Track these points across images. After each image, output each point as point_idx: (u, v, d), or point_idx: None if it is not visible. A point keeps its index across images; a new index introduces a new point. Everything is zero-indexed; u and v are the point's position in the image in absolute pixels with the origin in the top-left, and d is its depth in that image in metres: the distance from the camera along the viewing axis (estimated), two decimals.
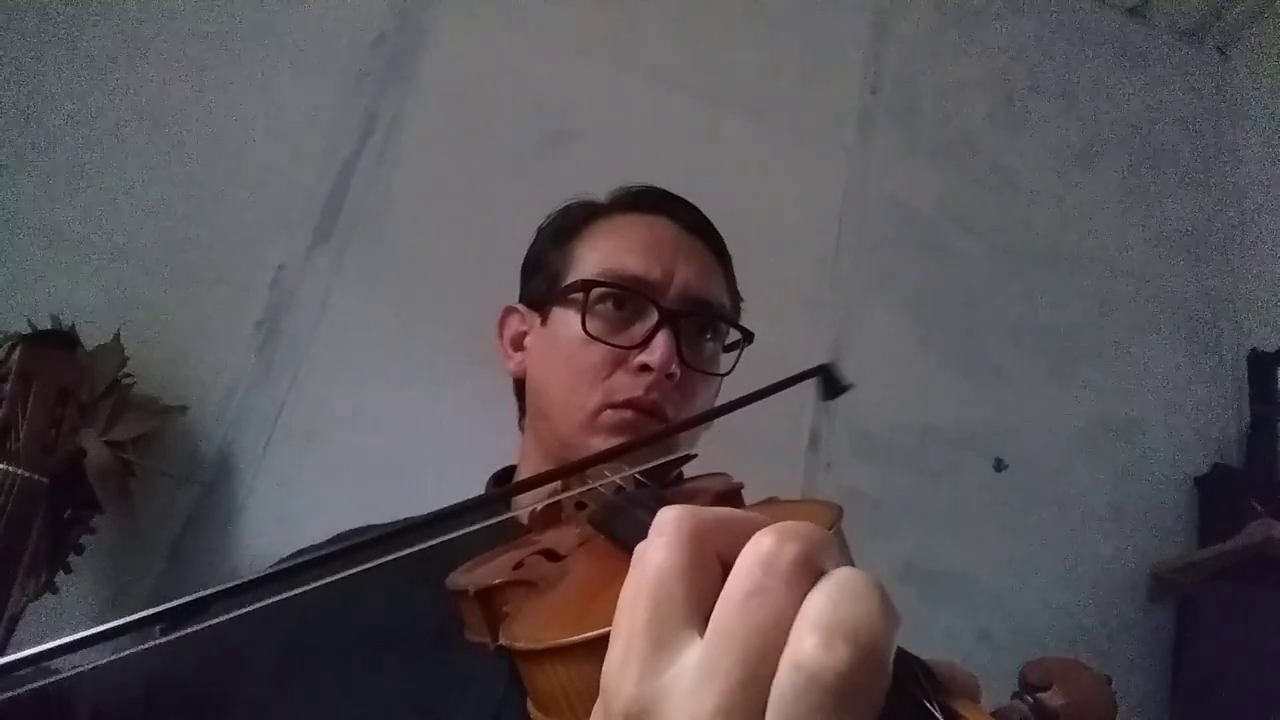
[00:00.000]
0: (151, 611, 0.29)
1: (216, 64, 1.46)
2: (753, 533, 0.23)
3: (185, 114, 1.42)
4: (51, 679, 0.27)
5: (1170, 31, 2.05)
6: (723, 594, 0.23)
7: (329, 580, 0.32)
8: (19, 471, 0.86)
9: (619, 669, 0.23)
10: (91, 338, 1.13)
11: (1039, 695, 0.35)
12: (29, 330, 1.03)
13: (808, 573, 0.22)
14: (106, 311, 1.23)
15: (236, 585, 0.30)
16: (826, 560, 0.23)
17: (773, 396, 0.48)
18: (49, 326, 1.07)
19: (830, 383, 0.46)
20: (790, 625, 0.21)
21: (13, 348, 0.95)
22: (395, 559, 0.33)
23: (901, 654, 0.22)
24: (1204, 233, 1.88)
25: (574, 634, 0.28)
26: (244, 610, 0.30)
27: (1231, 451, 1.67)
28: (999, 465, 1.58)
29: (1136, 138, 1.92)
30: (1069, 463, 1.61)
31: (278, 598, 0.31)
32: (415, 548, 0.33)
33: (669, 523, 0.24)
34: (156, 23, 1.45)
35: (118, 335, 1.18)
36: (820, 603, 0.21)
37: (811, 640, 0.20)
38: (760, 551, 0.23)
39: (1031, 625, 1.48)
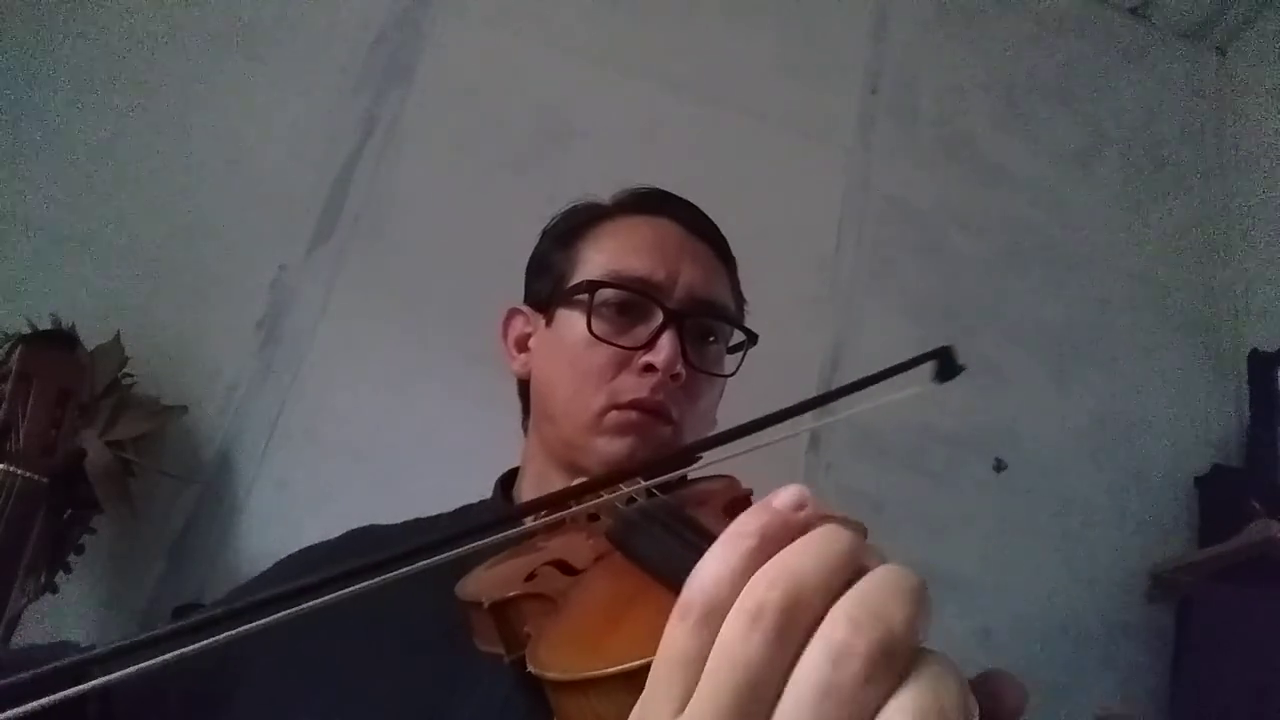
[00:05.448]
0: (184, 624, 0.29)
1: (217, 64, 1.46)
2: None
3: (185, 114, 1.42)
4: (85, 686, 0.27)
5: (1170, 31, 2.05)
6: (792, 685, 0.22)
7: (343, 594, 0.32)
8: (19, 471, 0.86)
9: None
10: (91, 338, 1.13)
11: None
12: (29, 330, 1.03)
13: (888, 669, 0.21)
14: (106, 311, 1.23)
15: (259, 601, 0.30)
16: (909, 645, 0.22)
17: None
18: (49, 326, 1.08)
19: (947, 365, 0.46)
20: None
21: (13, 348, 0.94)
22: (405, 573, 0.33)
23: None
24: (1204, 233, 1.88)
25: (608, 665, 0.28)
26: (262, 623, 0.30)
27: (1231, 451, 1.67)
28: (999, 465, 1.58)
29: (1136, 138, 1.92)
30: (1069, 463, 1.61)
31: (295, 610, 0.31)
32: (427, 562, 0.33)
33: (767, 609, 0.23)
34: (157, 24, 1.45)
35: (118, 335, 1.18)
36: (908, 707, 0.21)
37: None
38: (833, 645, 0.21)
39: (1031, 625, 1.48)
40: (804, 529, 0.25)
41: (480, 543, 0.36)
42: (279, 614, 0.30)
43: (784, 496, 0.26)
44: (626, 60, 1.67)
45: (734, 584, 0.24)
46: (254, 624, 0.30)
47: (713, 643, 0.23)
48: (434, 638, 0.52)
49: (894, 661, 0.21)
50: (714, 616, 0.24)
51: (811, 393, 1.66)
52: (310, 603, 0.31)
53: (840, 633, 0.21)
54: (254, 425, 1.30)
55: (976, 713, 0.21)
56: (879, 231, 1.69)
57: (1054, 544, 1.55)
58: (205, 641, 0.29)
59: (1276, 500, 1.46)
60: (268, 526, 1.25)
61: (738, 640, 0.22)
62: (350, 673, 0.58)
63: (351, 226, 1.44)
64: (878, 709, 0.21)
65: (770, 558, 0.24)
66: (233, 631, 0.29)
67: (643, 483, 0.47)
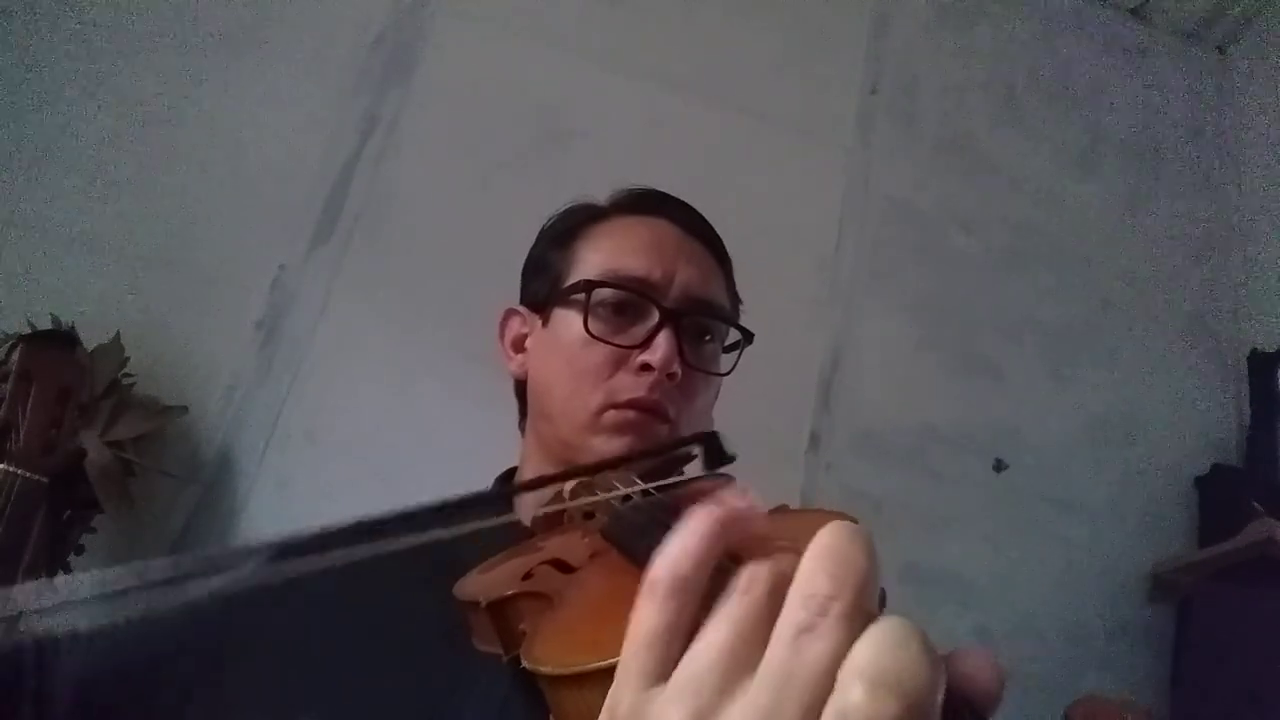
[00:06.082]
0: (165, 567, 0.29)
1: (217, 64, 1.46)
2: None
3: (185, 114, 1.42)
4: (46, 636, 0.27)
5: (1170, 31, 2.04)
6: (775, 634, 0.23)
7: (330, 564, 0.32)
8: (19, 471, 0.87)
9: (672, 703, 0.24)
10: (91, 338, 1.13)
11: None
12: (29, 330, 1.03)
13: (860, 608, 0.23)
14: (106, 311, 1.23)
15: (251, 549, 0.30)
16: (873, 587, 0.24)
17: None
18: (49, 326, 1.08)
19: (714, 452, 0.45)
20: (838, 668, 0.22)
21: (13, 348, 0.95)
22: (396, 552, 0.34)
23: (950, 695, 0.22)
24: (1204, 233, 1.88)
25: (601, 658, 0.28)
26: (252, 582, 0.31)
27: (1231, 451, 1.67)
28: (999, 465, 1.58)
29: (1136, 138, 1.92)
30: (1069, 463, 1.61)
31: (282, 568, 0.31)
32: (417, 540, 0.34)
33: (758, 580, 0.25)
34: (157, 23, 1.45)
35: (118, 335, 1.18)
36: (864, 653, 0.22)
37: (858, 690, 0.21)
38: (808, 592, 0.23)
39: (1031, 625, 1.48)
40: (747, 514, 0.29)
41: (475, 526, 0.36)
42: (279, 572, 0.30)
43: (728, 491, 0.30)
44: (626, 60, 1.67)
45: (694, 560, 0.26)
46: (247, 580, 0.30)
47: (678, 618, 0.26)
48: (433, 638, 0.52)
49: (864, 601, 0.23)
50: (678, 590, 0.26)
51: (811, 392, 1.67)
52: (309, 563, 0.31)
53: (815, 581, 0.24)
54: (254, 425, 1.30)
55: (943, 673, 0.22)
56: (879, 231, 1.69)
57: (1054, 544, 1.55)
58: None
59: (1276, 500, 1.46)
60: (268, 526, 1.25)
61: (731, 606, 0.25)
62: (350, 674, 0.58)
63: (351, 226, 1.44)
64: (850, 645, 0.22)
65: (723, 538, 0.27)
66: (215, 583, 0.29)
67: (639, 483, 0.47)
